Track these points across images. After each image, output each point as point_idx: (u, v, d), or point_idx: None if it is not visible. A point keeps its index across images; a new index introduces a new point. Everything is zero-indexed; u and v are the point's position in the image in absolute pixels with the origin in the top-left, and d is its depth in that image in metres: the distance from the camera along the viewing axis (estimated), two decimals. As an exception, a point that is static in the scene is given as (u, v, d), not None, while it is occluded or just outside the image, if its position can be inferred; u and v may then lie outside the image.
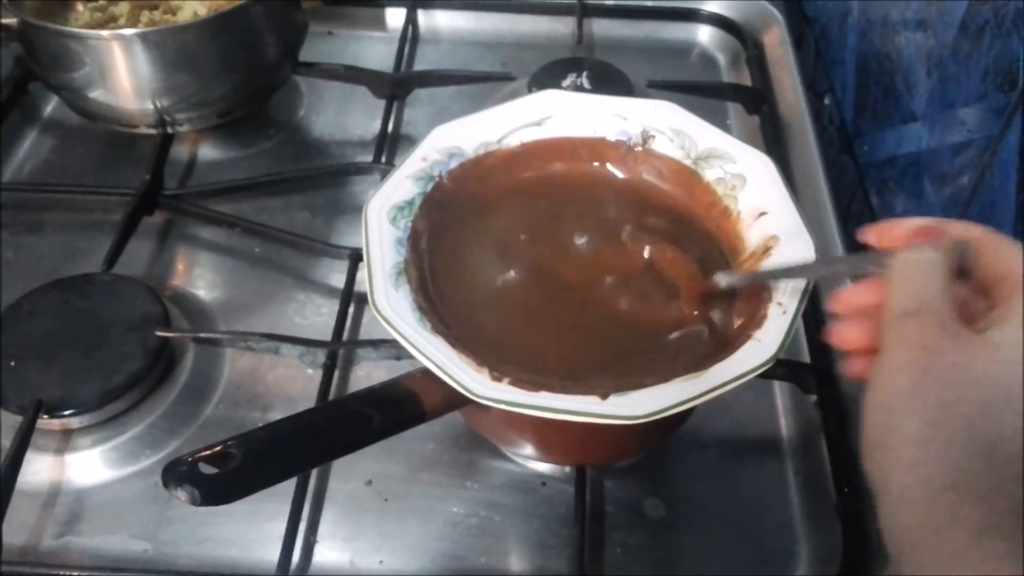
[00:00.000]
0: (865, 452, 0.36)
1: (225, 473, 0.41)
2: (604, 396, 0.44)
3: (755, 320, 0.48)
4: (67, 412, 0.60)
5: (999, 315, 0.36)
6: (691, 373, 0.45)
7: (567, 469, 0.61)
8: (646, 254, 0.54)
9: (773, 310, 0.48)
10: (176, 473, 0.40)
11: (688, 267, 0.53)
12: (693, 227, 0.56)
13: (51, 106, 0.89)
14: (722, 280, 0.51)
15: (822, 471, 0.62)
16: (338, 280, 0.72)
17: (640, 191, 0.59)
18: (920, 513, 0.33)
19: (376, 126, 0.86)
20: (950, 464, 0.33)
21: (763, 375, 0.46)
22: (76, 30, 0.73)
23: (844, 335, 0.42)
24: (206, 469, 0.40)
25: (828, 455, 0.61)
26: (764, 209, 0.53)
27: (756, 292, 0.50)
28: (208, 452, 0.41)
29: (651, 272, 0.54)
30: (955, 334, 0.35)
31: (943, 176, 0.65)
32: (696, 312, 0.52)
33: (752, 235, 0.53)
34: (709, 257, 0.54)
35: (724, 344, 0.48)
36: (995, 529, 0.32)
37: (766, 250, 0.52)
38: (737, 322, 0.50)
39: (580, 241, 0.56)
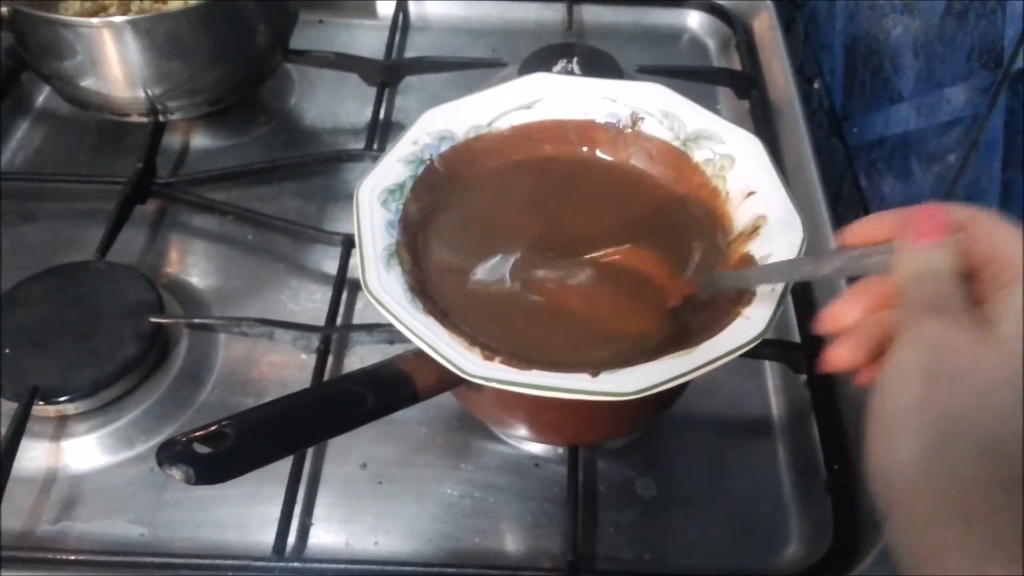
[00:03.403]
0: (870, 473, 0.34)
1: (219, 452, 0.41)
2: (595, 373, 0.45)
3: (744, 297, 0.48)
4: (63, 398, 0.61)
5: (1001, 305, 0.33)
6: (680, 350, 0.46)
7: (560, 450, 0.61)
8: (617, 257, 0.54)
9: (761, 288, 0.48)
10: (171, 452, 0.40)
11: (666, 267, 0.53)
12: (681, 212, 0.57)
13: (43, 96, 0.89)
14: (705, 284, 0.51)
15: (812, 450, 0.62)
16: (331, 266, 0.72)
17: (629, 173, 0.59)
18: (925, 541, 0.31)
19: (367, 113, 0.86)
20: (957, 491, 0.30)
21: (753, 355, 0.46)
22: (67, 18, 0.73)
23: (841, 357, 0.38)
24: (200, 448, 0.41)
25: (818, 434, 0.62)
26: (752, 189, 0.53)
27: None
28: (202, 432, 0.41)
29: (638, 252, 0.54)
30: (970, 334, 0.33)
31: (931, 156, 0.66)
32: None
33: (741, 215, 0.54)
34: (692, 245, 0.55)
35: (713, 323, 0.48)
36: (1000, 553, 0.29)
37: (755, 229, 0.52)
38: (725, 301, 0.50)
39: (569, 222, 0.56)
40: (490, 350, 0.46)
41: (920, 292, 0.35)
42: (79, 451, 0.61)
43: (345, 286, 0.71)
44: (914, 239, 0.36)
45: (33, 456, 0.61)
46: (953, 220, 0.36)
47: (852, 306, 0.38)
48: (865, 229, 0.40)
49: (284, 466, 0.58)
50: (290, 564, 0.55)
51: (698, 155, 0.57)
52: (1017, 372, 0.31)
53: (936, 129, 0.65)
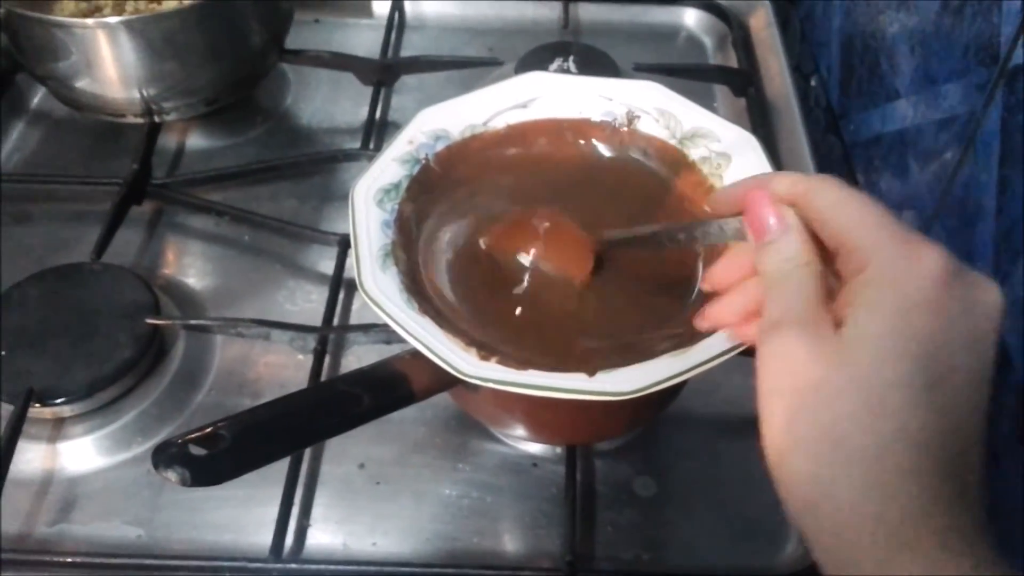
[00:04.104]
0: (775, 486, 0.34)
1: (215, 454, 0.41)
2: (592, 373, 0.44)
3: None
4: (59, 400, 0.61)
5: (846, 302, 0.34)
6: (678, 349, 0.46)
7: (558, 450, 0.61)
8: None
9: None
10: (166, 455, 0.40)
11: (576, 233, 0.52)
12: (679, 205, 0.56)
13: (38, 97, 0.89)
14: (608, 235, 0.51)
15: (811, 448, 0.62)
16: (327, 266, 0.72)
17: (626, 166, 0.59)
18: (833, 555, 0.32)
19: (363, 113, 0.86)
20: (839, 501, 0.31)
21: (751, 353, 0.46)
22: (61, 19, 0.73)
23: (715, 315, 0.43)
24: (196, 450, 0.41)
25: (817, 432, 0.62)
26: (749, 187, 0.53)
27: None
28: (198, 434, 0.41)
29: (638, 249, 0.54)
30: (821, 344, 0.33)
31: (927, 152, 0.66)
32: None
33: (738, 213, 0.53)
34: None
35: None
36: (909, 547, 0.30)
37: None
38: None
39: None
40: (487, 350, 0.46)
41: (777, 297, 0.36)
42: (76, 453, 0.61)
43: (341, 286, 0.71)
44: (753, 232, 0.38)
45: (30, 458, 0.61)
46: (785, 196, 0.37)
47: (727, 270, 0.42)
48: (724, 199, 0.42)
49: (281, 467, 0.58)
50: (288, 565, 0.55)
51: (694, 153, 0.56)
52: (860, 380, 0.32)
53: (933, 126, 0.65)
